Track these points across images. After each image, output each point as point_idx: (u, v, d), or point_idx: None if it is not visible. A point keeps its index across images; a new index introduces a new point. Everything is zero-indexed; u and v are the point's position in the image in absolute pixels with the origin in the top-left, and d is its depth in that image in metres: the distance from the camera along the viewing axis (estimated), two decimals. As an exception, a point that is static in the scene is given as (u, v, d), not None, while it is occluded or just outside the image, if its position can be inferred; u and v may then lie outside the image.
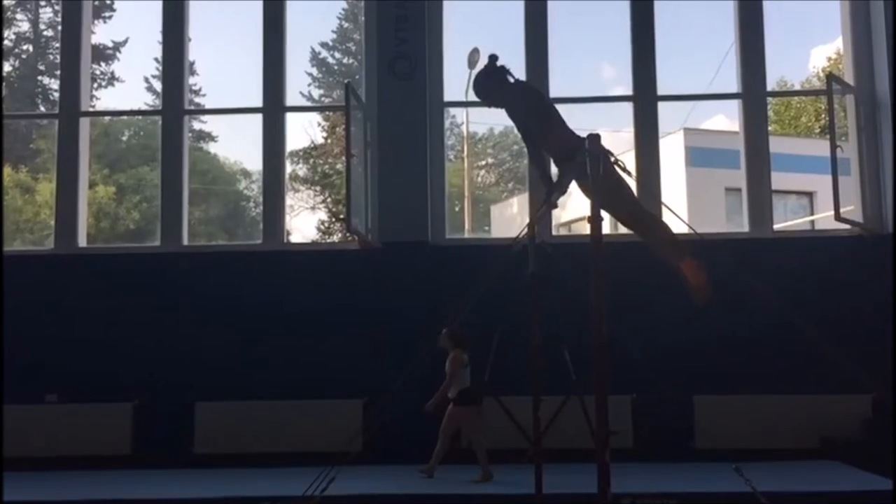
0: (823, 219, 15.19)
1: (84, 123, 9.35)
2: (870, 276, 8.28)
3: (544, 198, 5.44)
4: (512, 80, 5.26)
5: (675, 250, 4.76)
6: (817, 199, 18.83)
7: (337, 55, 31.34)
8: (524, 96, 5.22)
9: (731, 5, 9.14)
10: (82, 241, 9.17)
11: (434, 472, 6.99)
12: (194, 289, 8.65)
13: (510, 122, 5.46)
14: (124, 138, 29.62)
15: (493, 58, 5.25)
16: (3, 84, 8.89)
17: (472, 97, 5.59)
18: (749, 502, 4.86)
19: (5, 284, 7.60)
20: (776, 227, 9.16)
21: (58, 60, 9.49)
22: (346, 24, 30.85)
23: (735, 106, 9.17)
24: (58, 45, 9.49)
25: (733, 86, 9.18)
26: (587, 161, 4.14)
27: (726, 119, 31.03)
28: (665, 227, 4.94)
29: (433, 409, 6.96)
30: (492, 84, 5.23)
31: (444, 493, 6.38)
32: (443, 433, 6.99)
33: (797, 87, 27.22)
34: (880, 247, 8.42)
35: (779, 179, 9.39)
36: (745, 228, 8.86)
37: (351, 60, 30.57)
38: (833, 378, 7.44)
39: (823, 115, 23.58)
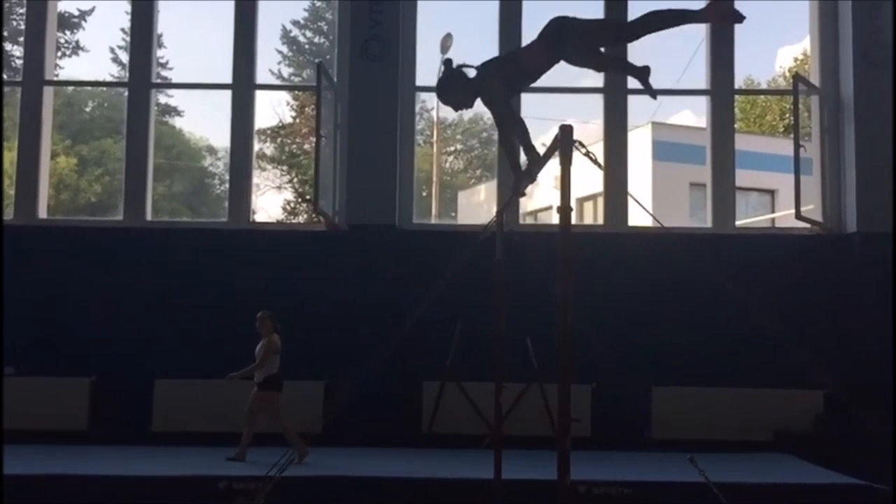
0: (784, 217, 15.44)
1: (48, 92, 9.18)
2: (827, 275, 8.47)
3: (513, 185, 5.45)
4: (473, 74, 5.04)
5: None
6: (779, 197, 19.11)
7: (308, 34, 30.98)
8: (491, 77, 4.96)
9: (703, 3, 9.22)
10: (43, 213, 9.03)
11: (245, 455, 6.92)
12: (156, 264, 8.57)
13: (480, 110, 5.39)
14: (88, 109, 29.09)
15: (448, 62, 5.07)
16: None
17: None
18: (702, 492, 4.95)
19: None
20: (738, 223, 9.30)
21: (22, 27, 9.26)
22: (318, 3, 30.51)
23: (702, 102, 9.28)
24: (22, 11, 9.25)
25: (702, 82, 9.28)
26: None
27: (693, 115, 31.35)
28: None
29: (231, 381, 7.00)
30: (457, 88, 5.03)
31: (403, 477, 6.41)
32: (248, 417, 6.98)
33: (764, 86, 27.51)
34: (839, 246, 8.60)
35: (742, 176, 9.53)
36: (708, 224, 8.98)
37: (322, 40, 30.26)
38: (787, 373, 7.65)
39: (788, 115, 23.91)
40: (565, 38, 4.81)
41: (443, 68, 5.07)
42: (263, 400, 6.97)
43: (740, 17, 4.99)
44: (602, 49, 5.25)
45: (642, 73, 4.90)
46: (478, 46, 30.83)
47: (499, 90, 4.96)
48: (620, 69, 5.94)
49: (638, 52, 9.47)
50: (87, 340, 8.36)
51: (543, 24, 4.93)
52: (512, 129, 5.05)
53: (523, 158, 5.19)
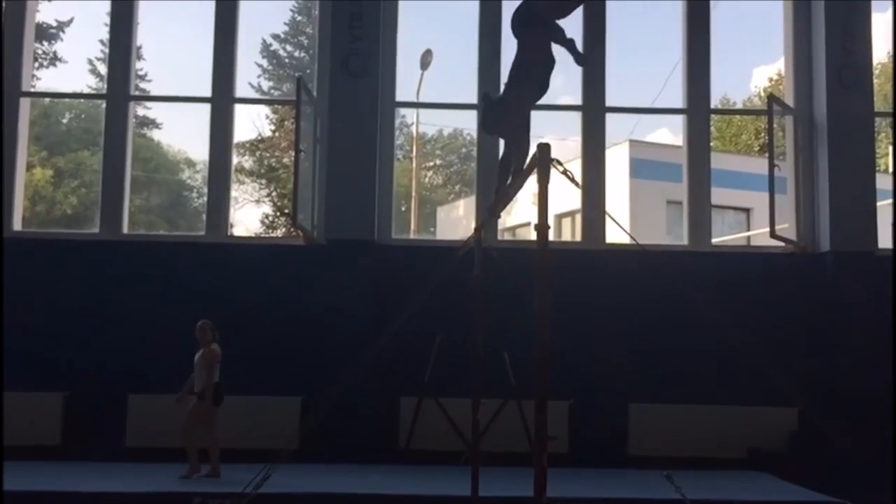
0: (759, 235, 15.58)
1: (24, 103, 9.12)
2: (801, 293, 8.56)
3: (490, 205, 5.46)
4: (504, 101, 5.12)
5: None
6: (754, 216, 19.30)
7: (288, 48, 30.94)
8: (508, 100, 5.05)
9: (680, 23, 9.35)
10: (17, 225, 8.93)
11: (219, 471, 6.92)
12: (133, 278, 8.49)
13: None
14: (65, 121, 28.82)
15: (486, 96, 5.22)
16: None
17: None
18: (678, 509, 4.98)
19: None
20: (714, 241, 9.38)
21: (-1, 38, 9.17)
22: (298, 18, 30.49)
23: (679, 121, 9.38)
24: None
25: (679, 101, 9.38)
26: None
27: (670, 133, 31.62)
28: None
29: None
30: (499, 116, 5.07)
31: (380, 493, 6.38)
32: (208, 432, 6.97)
33: (739, 106, 27.79)
34: (813, 264, 8.70)
35: (718, 195, 9.63)
36: (685, 241, 9.06)
37: (302, 54, 30.24)
38: (762, 391, 7.70)
39: (763, 134, 24.17)
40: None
41: (483, 102, 5.11)
42: (203, 411, 6.93)
43: None
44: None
45: None
46: (458, 62, 30.95)
47: (511, 113, 4.99)
48: None
49: (615, 70, 9.58)
50: (61, 355, 8.25)
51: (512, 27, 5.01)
52: (517, 151, 5.05)
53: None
